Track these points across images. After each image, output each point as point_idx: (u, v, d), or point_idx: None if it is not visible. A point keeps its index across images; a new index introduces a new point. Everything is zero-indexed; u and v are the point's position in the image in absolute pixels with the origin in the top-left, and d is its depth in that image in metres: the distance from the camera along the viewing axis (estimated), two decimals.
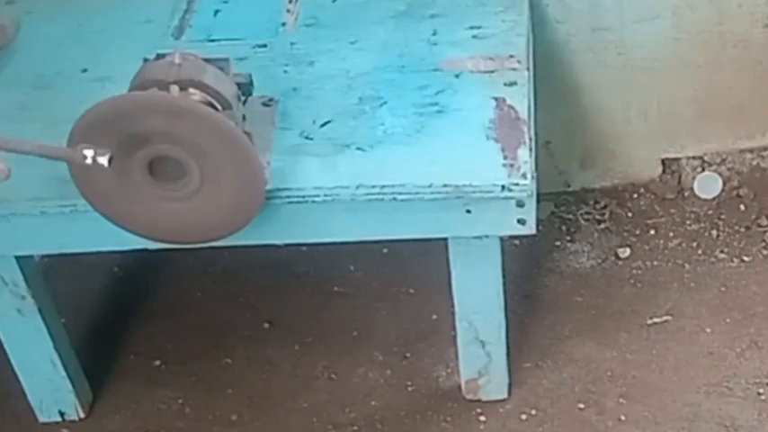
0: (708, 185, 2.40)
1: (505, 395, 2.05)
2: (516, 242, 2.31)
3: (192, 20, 2.07)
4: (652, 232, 2.35)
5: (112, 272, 2.39)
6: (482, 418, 2.04)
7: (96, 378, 2.14)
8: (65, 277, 2.27)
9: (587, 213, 2.41)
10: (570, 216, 2.41)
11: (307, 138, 1.78)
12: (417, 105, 1.82)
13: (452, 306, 1.93)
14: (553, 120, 2.27)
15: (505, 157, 1.70)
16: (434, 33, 1.97)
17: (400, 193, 1.69)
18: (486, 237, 1.79)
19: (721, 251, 2.29)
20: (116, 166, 1.61)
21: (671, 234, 2.34)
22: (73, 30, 2.08)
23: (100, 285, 2.36)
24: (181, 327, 2.26)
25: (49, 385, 2.04)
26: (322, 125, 1.80)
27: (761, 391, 2.02)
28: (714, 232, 2.33)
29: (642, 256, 2.31)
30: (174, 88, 1.59)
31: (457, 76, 1.87)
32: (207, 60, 1.66)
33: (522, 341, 2.14)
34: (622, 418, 2.01)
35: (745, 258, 2.27)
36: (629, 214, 2.40)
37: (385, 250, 2.33)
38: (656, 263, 2.29)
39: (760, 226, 2.33)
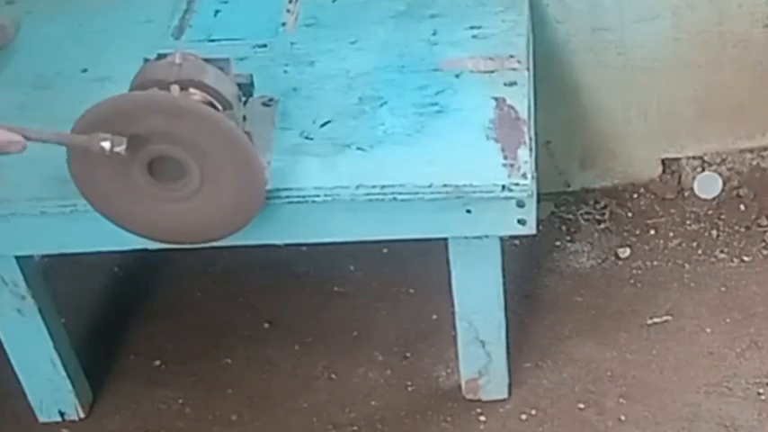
0: (708, 185, 2.40)
1: (505, 395, 2.05)
2: (516, 242, 2.31)
3: (192, 20, 2.07)
4: (652, 232, 2.35)
5: (112, 272, 2.39)
6: (482, 418, 2.04)
7: (96, 378, 2.14)
8: (65, 277, 2.27)
9: (587, 213, 2.41)
10: (570, 216, 2.41)
11: (307, 138, 1.78)
12: (417, 105, 1.82)
13: (452, 306, 1.93)
14: (553, 120, 2.27)
15: (505, 157, 1.70)
16: (434, 33, 1.97)
17: (400, 193, 1.69)
18: (487, 237, 1.79)
19: (721, 251, 2.29)
20: (116, 165, 1.61)
21: (671, 234, 2.34)
22: (73, 30, 2.08)
23: (100, 285, 2.36)
24: (181, 327, 2.26)
25: (49, 385, 2.04)
26: (322, 125, 1.80)
27: (761, 391, 2.02)
28: (714, 232, 2.33)
29: (642, 256, 2.31)
30: (175, 88, 1.59)
31: (457, 76, 1.87)
32: (207, 60, 1.66)
33: (522, 341, 2.14)
34: (622, 418, 2.01)
35: (745, 258, 2.27)
36: (629, 214, 2.40)
37: (385, 250, 2.33)
38: (656, 263, 2.29)
39: (760, 226, 2.33)
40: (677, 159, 2.42)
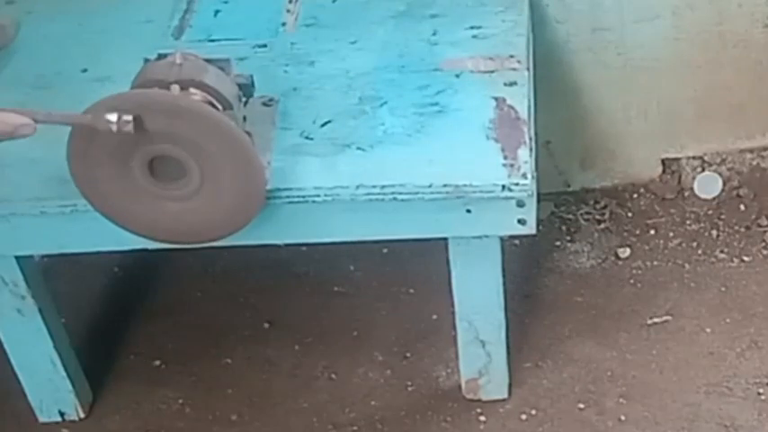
0: (708, 185, 2.40)
1: (505, 395, 2.05)
2: (516, 242, 2.31)
3: (192, 20, 2.07)
4: (652, 232, 2.35)
5: (112, 272, 2.39)
6: (482, 417, 2.04)
7: (96, 378, 2.14)
8: (65, 277, 2.27)
9: (587, 213, 2.41)
10: (570, 216, 2.41)
11: (307, 138, 1.78)
12: (417, 105, 1.82)
13: (452, 306, 1.93)
14: (553, 120, 2.27)
15: (505, 157, 1.70)
16: (434, 33, 1.97)
17: (400, 193, 1.68)
18: (487, 237, 1.79)
19: (721, 251, 2.29)
20: (116, 164, 1.61)
21: (671, 234, 2.35)
22: (73, 30, 2.08)
23: (100, 285, 2.36)
24: (181, 327, 2.26)
25: (49, 385, 2.04)
26: (322, 125, 1.80)
27: (761, 391, 2.02)
28: (714, 232, 2.33)
29: (642, 256, 2.31)
30: (175, 88, 1.59)
31: (457, 76, 1.87)
32: (208, 61, 1.66)
33: (522, 341, 2.14)
34: (622, 418, 2.01)
35: (745, 258, 2.27)
36: (629, 214, 2.40)
37: (385, 250, 2.33)
38: (656, 263, 2.29)
39: (760, 226, 2.33)
40: (677, 159, 2.42)
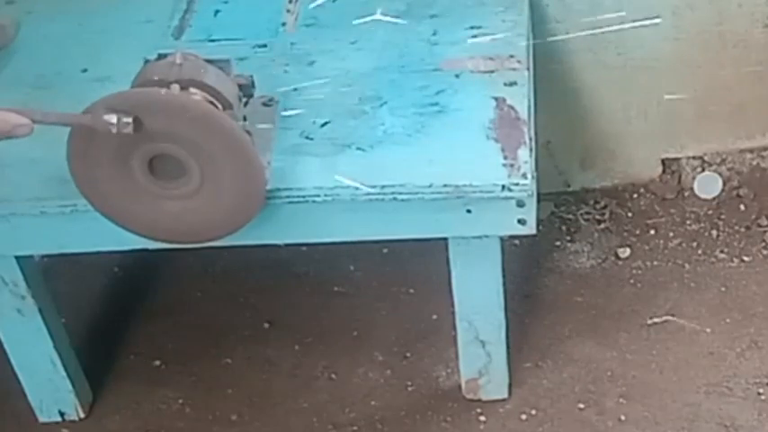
0: (708, 185, 2.40)
1: (505, 395, 2.05)
2: (516, 242, 2.31)
3: (191, 20, 2.07)
4: (652, 232, 2.35)
5: (112, 272, 2.39)
6: (482, 417, 2.04)
7: (96, 378, 2.14)
8: (65, 277, 2.27)
9: (587, 213, 2.41)
10: (570, 216, 2.41)
11: (307, 138, 1.78)
12: (417, 105, 1.82)
13: (452, 306, 1.93)
14: (553, 120, 2.27)
15: (506, 157, 1.70)
16: (434, 33, 1.97)
17: (400, 193, 1.68)
18: (487, 237, 1.79)
19: (721, 251, 2.29)
20: (116, 164, 1.61)
21: (671, 234, 2.35)
22: (73, 30, 2.08)
23: (100, 285, 2.36)
24: (181, 327, 2.26)
25: (49, 385, 2.04)
26: (322, 125, 1.80)
27: (761, 391, 2.02)
28: (714, 232, 2.33)
29: (642, 256, 2.31)
30: (175, 87, 1.59)
31: (457, 76, 1.87)
32: (208, 61, 1.66)
33: (522, 341, 2.14)
34: (622, 418, 2.01)
35: (745, 258, 2.27)
36: (629, 214, 2.40)
37: (385, 250, 2.33)
38: (656, 263, 2.29)
39: (760, 226, 2.33)
40: (677, 159, 2.42)
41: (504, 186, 1.67)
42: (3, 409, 2.11)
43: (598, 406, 2.03)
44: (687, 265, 2.27)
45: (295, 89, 1.87)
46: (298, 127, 1.80)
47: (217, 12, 2.09)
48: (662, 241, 2.33)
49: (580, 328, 2.17)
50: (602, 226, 2.38)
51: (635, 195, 2.43)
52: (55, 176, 1.69)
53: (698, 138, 2.39)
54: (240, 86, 1.69)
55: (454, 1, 2.04)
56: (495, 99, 1.81)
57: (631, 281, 2.26)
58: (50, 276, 2.09)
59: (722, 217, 2.36)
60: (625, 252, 2.31)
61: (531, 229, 1.73)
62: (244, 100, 1.71)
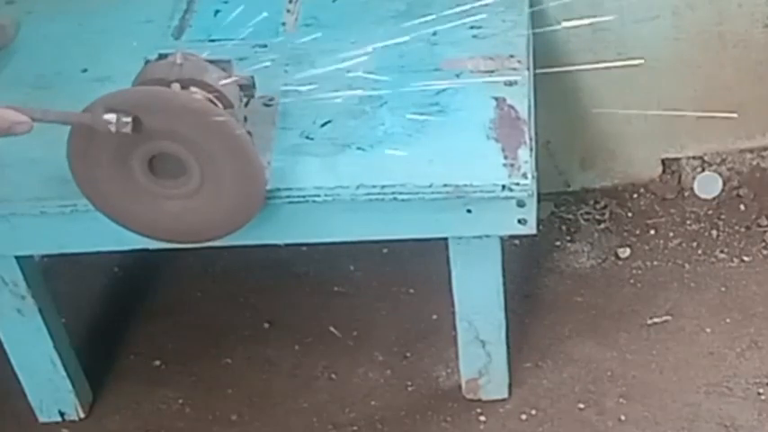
0: (708, 185, 2.40)
1: (505, 395, 2.05)
2: (516, 242, 2.31)
3: (191, 20, 2.07)
4: (652, 232, 2.35)
5: (112, 272, 2.39)
6: (482, 417, 2.04)
7: (96, 378, 2.14)
8: (65, 277, 2.27)
9: (587, 213, 2.41)
10: (570, 216, 2.41)
11: (307, 138, 1.78)
12: (417, 105, 1.82)
13: (452, 306, 1.93)
14: (553, 120, 2.27)
15: (506, 157, 1.70)
16: (434, 33, 1.97)
17: (400, 193, 1.68)
18: (487, 237, 1.79)
19: (721, 251, 2.29)
20: (117, 163, 1.61)
21: (671, 234, 2.35)
22: (73, 30, 2.08)
23: (100, 285, 2.36)
24: (181, 327, 2.26)
25: (49, 385, 2.04)
26: (322, 125, 1.80)
27: (761, 391, 2.02)
28: (714, 232, 2.33)
29: (642, 256, 2.31)
30: (176, 86, 1.59)
31: (457, 75, 1.87)
32: (209, 61, 1.66)
33: (522, 341, 2.14)
34: (622, 418, 2.01)
35: (745, 258, 2.27)
36: (629, 214, 2.40)
37: (385, 250, 2.33)
38: (656, 263, 2.29)
39: (760, 226, 2.33)
40: (677, 159, 2.42)
41: (504, 186, 1.67)
42: (3, 409, 2.11)
43: (598, 406, 2.03)
44: (687, 265, 2.27)
45: (295, 89, 1.87)
46: (298, 127, 1.80)
47: (217, 12, 2.09)
48: (662, 241, 2.33)
49: (580, 328, 2.17)
50: (602, 226, 2.38)
51: (635, 195, 2.43)
52: (55, 176, 1.69)
53: (698, 138, 2.39)
54: (241, 86, 1.69)
55: (454, 1, 2.03)
56: (496, 99, 1.81)
57: (631, 281, 2.26)
58: (50, 276, 2.09)
59: (722, 217, 2.36)
60: (625, 252, 2.32)
61: (531, 229, 1.73)
62: (244, 100, 1.71)
